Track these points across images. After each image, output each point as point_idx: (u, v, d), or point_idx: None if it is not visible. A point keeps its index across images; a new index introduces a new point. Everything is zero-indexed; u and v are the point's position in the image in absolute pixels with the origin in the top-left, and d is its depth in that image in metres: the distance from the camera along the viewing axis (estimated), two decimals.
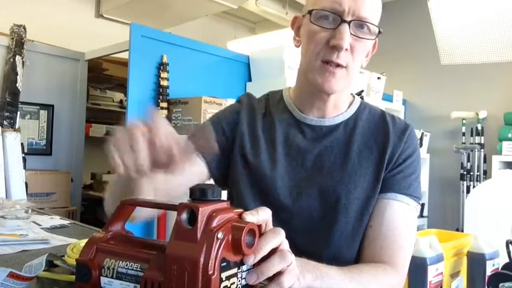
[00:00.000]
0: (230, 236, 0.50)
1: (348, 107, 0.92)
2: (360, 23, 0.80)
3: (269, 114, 0.93)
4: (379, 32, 0.83)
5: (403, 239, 0.82)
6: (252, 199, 0.87)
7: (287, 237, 0.83)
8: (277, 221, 0.84)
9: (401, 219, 0.82)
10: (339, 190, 0.83)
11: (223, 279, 0.49)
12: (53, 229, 1.20)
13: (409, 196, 0.84)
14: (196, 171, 0.87)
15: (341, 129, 0.88)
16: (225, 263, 0.49)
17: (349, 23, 0.79)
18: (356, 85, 3.05)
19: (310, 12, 0.82)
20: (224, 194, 0.97)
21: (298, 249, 0.83)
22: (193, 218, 0.50)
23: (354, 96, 0.95)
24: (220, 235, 0.48)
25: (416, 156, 0.88)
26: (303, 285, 0.60)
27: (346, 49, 0.79)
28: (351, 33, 0.79)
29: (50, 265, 0.76)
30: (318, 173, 0.85)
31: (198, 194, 0.52)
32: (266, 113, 0.94)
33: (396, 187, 0.84)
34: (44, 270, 0.72)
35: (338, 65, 0.80)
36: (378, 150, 0.86)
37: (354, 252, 0.84)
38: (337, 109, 0.90)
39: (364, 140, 0.87)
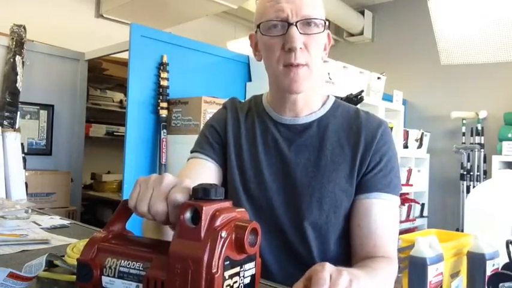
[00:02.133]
0: (233, 235, 0.50)
1: (322, 106, 0.97)
2: (306, 21, 0.86)
3: (250, 116, 1.01)
4: (325, 23, 0.89)
5: (392, 232, 0.89)
6: (241, 194, 0.94)
7: (272, 226, 0.91)
8: (263, 214, 0.92)
9: (387, 215, 0.89)
10: (313, 185, 0.89)
11: (227, 277, 0.49)
12: (53, 229, 1.20)
13: (391, 193, 0.90)
14: (213, 176, 0.96)
15: (314, 127, 0.94)
16: (228, 262, 0.49)
17: (295, 24, 0.85)
18: (355, 85, 3.05)
19: (258, 26, 0.89)
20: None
21: (282, 239, 0.91)
22: (196, 217, 0.50)
23: (328, 96, 1.01)
24: (224, 234, 0.48)
25: (392, 152, 0.93)
26: None
27: (301, 48, 0.86)
28: (300, 33, 0.85)
29: (50, 265, 0.76)
30: (294, 169, 0.92)
31: (201, 193, 0.52)
32: (248, 115, 1.01)
33: (379, 186, 0.89)
34: (44, 270, 0.72)
35: (298, 65, 0.86)
36: (350, 147, 0.91)
37: (329, 245, 0.90)
38: (310, 108, 0.95)
39: (337, 137, 0.93)
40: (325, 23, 0.89)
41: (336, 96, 1.03)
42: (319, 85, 0.97)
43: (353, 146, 0.91)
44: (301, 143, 0.93)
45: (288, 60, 0.86)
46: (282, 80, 0.89)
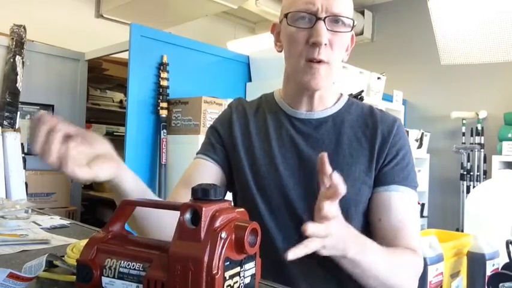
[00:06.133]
0: (233, 236, 0.50)
1: (336, 103, 0.97)
2: (335, 18, 0.85)
3: (262, 112, 0.99)
4: (354, 25, 0.88)
5: (413, 225, 0.88)
6: (254, 191, 0.92)
7: (290, 222, 0.90)
8: (279, 210, 0.90)
9: (407, 208, 0.88)
10: None
11: (227, 278, 0.49)
12: (53, 229, 1.20)
13: (409, 186, 0.90)
14: (214, 177, 0.95)
15: (330, 122, 0.94)
16: (228, 262, 0.49)
17: (324, 19, 0.84)
18: (355, 85, 3.05)
19: (286, 15, 0.87)
20: (229, 195, 1.00)
21: (301, 236, 0.89)
22: (196, 218, 0.50)
23: (341, 94, 1.01)
24: (223, 234, 0.48)
25: (407, 147, 0.93)
26: (342, 254, 0.70)
27: (326, 44, 0.84)
28: (327, 29, 0.84)
29: (50, 265, 0.76)
30: (312, 164, 0.90)
31: (201, 193, 0.52)
32: (258, 112, 1.00)
33: (397, 179, 0.89)
34: (44, 271, 0.72)
35: (321, 61, 0.85)
36: (367, 141, 0.91)
37: None
38: (324, 104, 0.95)
39: (353, 132, 0.93)
40: (353, 23, 0.88)
41: None
42: (334, 84, 0.98)
43: (370, 139, 0.91)
44: (318, 137, 0.92)
45: (310, 55, 0.85)
46: (301, 75, 0.88)
